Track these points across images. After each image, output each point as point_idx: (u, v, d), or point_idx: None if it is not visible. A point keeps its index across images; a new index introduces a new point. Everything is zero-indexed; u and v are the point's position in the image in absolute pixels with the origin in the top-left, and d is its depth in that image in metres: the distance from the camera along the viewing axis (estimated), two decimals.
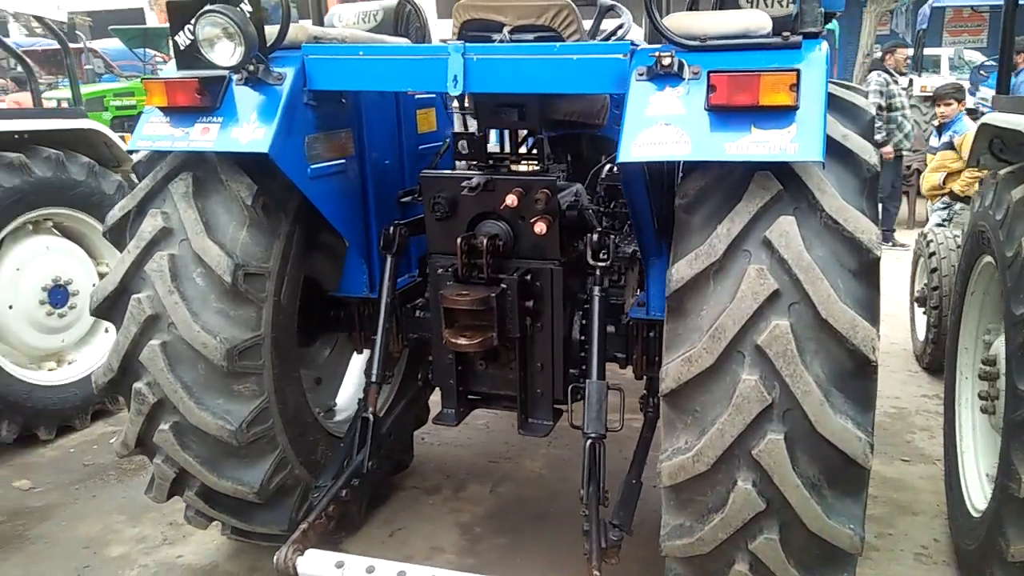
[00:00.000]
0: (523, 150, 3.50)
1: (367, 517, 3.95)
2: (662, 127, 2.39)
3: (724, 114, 2.33)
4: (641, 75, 2.48)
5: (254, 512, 3.21)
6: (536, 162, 3.39)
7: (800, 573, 2.37)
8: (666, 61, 2.41)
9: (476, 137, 3.40)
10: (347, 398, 4.12)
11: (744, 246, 2.34)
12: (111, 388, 3.01)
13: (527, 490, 4.28)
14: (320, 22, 4.02)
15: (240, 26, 2.71)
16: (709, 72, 2.30)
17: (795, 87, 2.24)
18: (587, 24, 3.53)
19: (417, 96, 3.86)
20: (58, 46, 5.56)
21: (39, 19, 5.52)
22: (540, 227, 2.96)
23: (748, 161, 2.30)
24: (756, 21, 2.49)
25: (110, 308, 3.00)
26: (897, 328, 6.31)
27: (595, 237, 2.96)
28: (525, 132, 3.47)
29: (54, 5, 5.21)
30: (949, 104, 8.12)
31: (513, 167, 3.32)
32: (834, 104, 2.61)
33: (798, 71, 2.23)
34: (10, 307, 4.82)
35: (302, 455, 3.27)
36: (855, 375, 2.27)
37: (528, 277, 3.09)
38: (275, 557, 2.72)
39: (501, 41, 3.22)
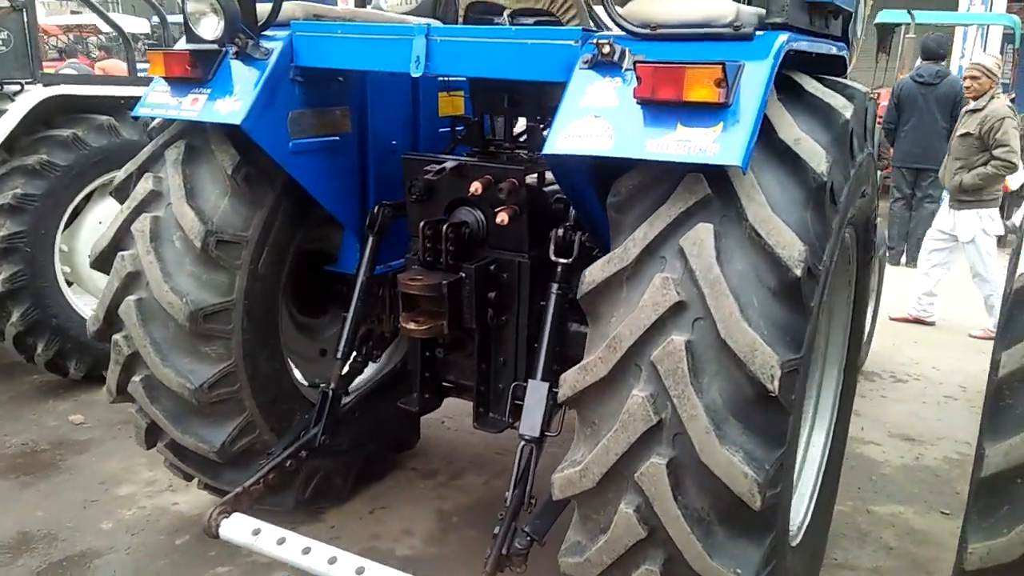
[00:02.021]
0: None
1: (356, 492, 4.02)
2: (591, 119, 2.26)
3: (652, 109, 2.18)
4: (585, 63, 2.35)
5: (220, 471, 3.33)
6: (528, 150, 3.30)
7: None
8: (605, 49, 2.28)
9: (473, 121, 3.37)
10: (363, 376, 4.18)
11: (661, 252, 2.18)
12: (98, 336, 3.22)
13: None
14: (363, 3, 4.10)
15: (221, 2, 2.81)
16: (635, 63, 2.15)
17: (722, 83, 2.05)
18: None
19: (441, 78, 3.86)
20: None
21: None
22: (502, 217, 2.89)
23: (667, 161, 2.13)
24: (720, 9, 2.30)
25: (104, 262, 3.20)
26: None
27: (560, 232, 2.85)
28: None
29: None
30: None
31: (498, 154, 3.26)
32: (804, 102, 2.38)
33: (724, 66, 2.04)
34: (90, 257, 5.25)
35: (272, 421, 3.35)
36: (757, 405, 2.05)
37: (492, 268, 3.02)
38: (204, 515, 2.81)
39: (499, 24, 3.17)
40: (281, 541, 2.67)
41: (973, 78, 6.60)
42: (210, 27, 2.89)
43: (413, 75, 2.72)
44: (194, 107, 2.96)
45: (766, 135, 2.24)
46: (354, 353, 3.46)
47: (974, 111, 6.53)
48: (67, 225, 5.14)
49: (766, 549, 2.17)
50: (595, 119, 2.25)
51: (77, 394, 5.25)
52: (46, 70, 5.77)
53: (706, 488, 2.07)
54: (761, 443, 2.07)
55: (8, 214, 4.80)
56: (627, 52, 2.28)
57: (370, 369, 3.90)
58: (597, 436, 2.20)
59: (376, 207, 3.31)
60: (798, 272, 2.04)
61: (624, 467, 2.13)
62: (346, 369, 3.42)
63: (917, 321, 7.05)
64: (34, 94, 4.90)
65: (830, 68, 2.85)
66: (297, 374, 3.81)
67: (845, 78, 2.97)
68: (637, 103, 2.19)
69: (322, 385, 3.30)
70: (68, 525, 3.76)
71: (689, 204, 2.16)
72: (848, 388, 3.37)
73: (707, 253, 2.07)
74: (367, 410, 3.58)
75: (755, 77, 2.13)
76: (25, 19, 5.00)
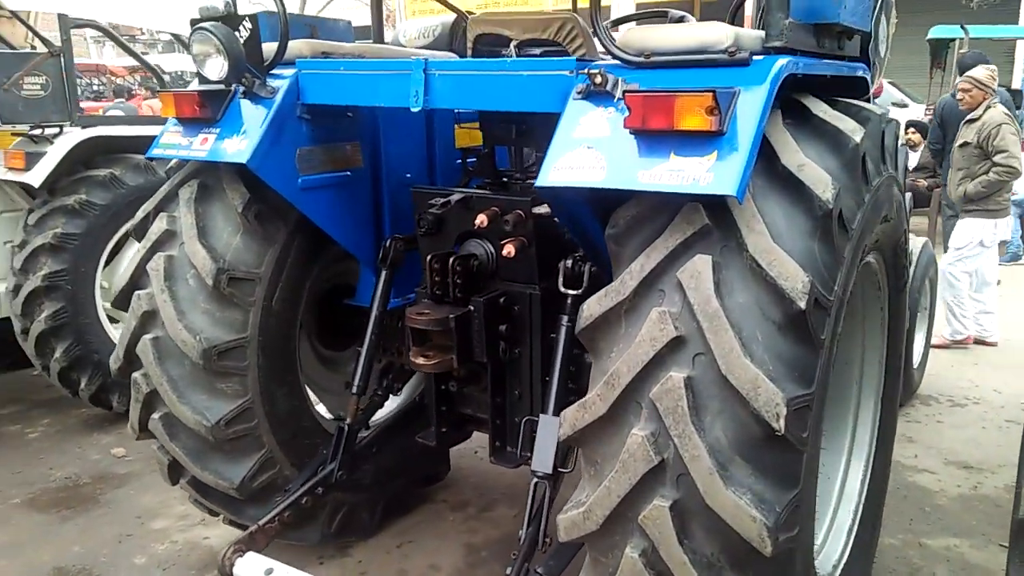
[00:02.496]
0: None
1: (384, 525, 3.99)
2: (584, 150, 2.19)
3: (644, 139, 2.10)
4: (579, 93, 2.29)
5: (242, 507, 3.33)
6: None
7: None
8: (597, 79, 2.21)
9: (484, 153, 3.34)
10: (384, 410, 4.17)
11: (659, 285, 2.09)
12: (120, 374, 3.26)
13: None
14: (380, 39, 4.12)
15: (224, 43, 2.84)
16: (625, 92, 2.08)
17: (714, 110, 1.97)
18: None
19: (458, 111, 3.84)
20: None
21: (176, 37, 6.11)
22: (508, 249, 2.84)
23: (660, 192, 2.05)
24: (716, 35, 2.21)
25: (124, 301, 3.25)
26: None
27: (568, 263, 2.78)
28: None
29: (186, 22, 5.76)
30: None
31: (509, 185, 3.21)
32: (812, 126, 2.27)
33: (715, 93, 1.95)
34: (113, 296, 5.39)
35: (293, 457, 3.35)
36: (765, 444, 1.94)
37: (502, 300, 2.96)
38: (219, 555, 2.81)
39: (506, 56, 3.14)
40: None
41: (965, 91, 6.66)
42: (215, 68, 2.91)
43: (413, 109, 2.70)
44: (204, 147, 2.99)
45: (769, 161, 2.14)
46: (372, 387, 3.45)
47: (971, 121, 6.50)
48: (107, 263, 5.28)
49: None
50: (588, 150, 2.18)
51: (121, 427, 5.34)
52: (95, 111, 5.97)
53: (713, 532, 1.97)
54: (771, 484, 1.96)
55: (49, 253, 4.95)
56: (620, 81, 2.21)
57: (393, 403, 3.87)
58: (600, 476, 2.11)
59: (388, 240, 3.29)
60: (802, 304, 1.93)
61: (627, 509, 2.04)
62: (364, 403, 3.40)
63: (978, 342, 6.75)
64: (71, 137, 5.06)
65: (851, 91, 2.73)
66: (322, 408, 3.81)
67: (868, 100, 2.85)
68: (630, 133, 2.11)
69: (338, 420, 3.28)
70: (103, 560, 3.82)
71: (687, 235, 2.07)
72: (888, 418, 3.19)
73: (705, 286, 1.98)
74: (386, 444, 3.54)
75: (751, 103, 2.04)
76: (63, 64, 5.17)
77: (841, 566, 2.83)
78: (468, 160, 3.43)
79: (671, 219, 2.13)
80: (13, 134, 5.19)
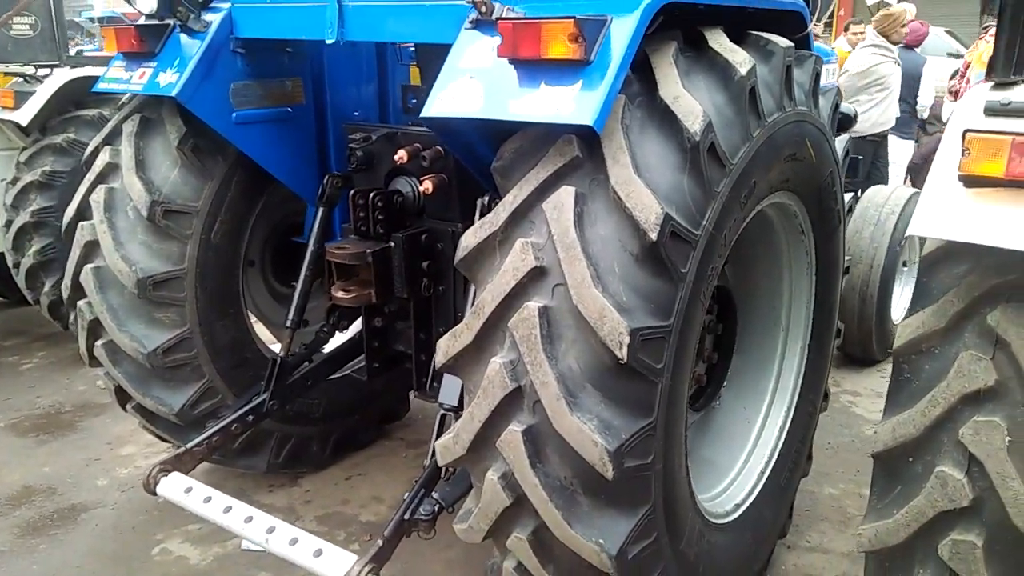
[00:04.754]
0: None
1: (338, 458, 4.11)
2: (467, 80, 2.20)
3: (519, 68, 2.11)
4: (470, 23, 2.29)
5: (187, 434, 3.44)
6: None
7: None
8: (482, 8, 2.21)
9: (422, 90, 3.34)
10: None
11: (531, 216, 2.10)
12: (69, 303, 3.40)
13: None
14: None
15: None
16: (498, 20, 2.08)
17: (577, 38, 1.96)
18: None
19: (411, 49, 3.85)
20: None
21: None
22: (426, 186, 2.87)
23: (526, 122, 2.06)
24: None
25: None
26: None
27: (485, 200, 2.79)
28: None
29: None
30: None
31: None
32: (707, 58, 2.24)
33: (576, 19, 1.94)
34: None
35: (236, 388, 3.46)
36: (612, 373, 1.96)
37: (423, 237, 3.00)
38: (145, 473, 2.94)
39: None
40: (207, 500, 2.76)
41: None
42: (147, 0, 2.96)
43: (328, 42, 2.72)
44: (141, 80, 3.06)
45: (650, 94, 2.13)
46: (319, 323, 3.54)
47: None
48: None
49: (639, 521, 2.09)
50: (470, 80, 2.19)
51: None
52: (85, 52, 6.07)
53: (564, 457, 2.01)
54: (620, 413, 1.99)
55: (38, 190, 5.11)
56: (506, 9, 2.20)
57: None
58: (470, 402, 2.17)
59: (327, 178, 3.34)
60: (654, 236, 1.93)
61: (489, 434, 2.09)
62: (307, 339, 3.49)
63: None
64: (59, 76, 5.18)
65: (784, 28, 2.66)
66: (276, 345, 3.91)
67: (805, 38, 2.79)
68: (508, 62, 2.12)
69: (271, 353, 3.38)
70: (68, 481, 4.02)
71: (558, 167, 2.08)
72: (815, 365, 3.17)
73: (565, 216, 1.99)
74: (323, 379, 3.62)
75: (621, 32, 2.02)
76: (51, 4, 5.27)
77: (745, 506, 2.85)
78: (409, 98, 3.44)
79: (548, 152, 2.14)
80: (6, 74, 5.33)
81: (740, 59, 2.23)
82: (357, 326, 3.95)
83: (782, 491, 3.08)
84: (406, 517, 2.56)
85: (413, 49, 3.82)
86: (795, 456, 3.14)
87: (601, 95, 1.96)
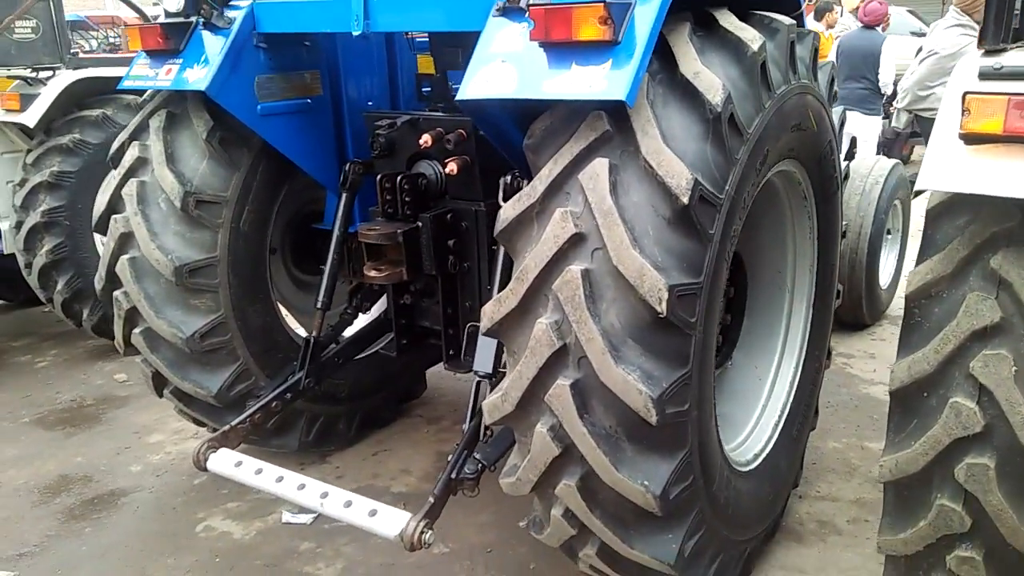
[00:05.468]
0: None
1: (363, 436, 4.27)
2: (499, 64, 2.36)
3: (549, 50, 2.27)
4: (498, 10, 2.45)
5: (223, 415, 3.59)
6: None
7: (609, 524, 2.32)
8: None
9: (437, 78, 3.49)
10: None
11: (566, 188, 2.27)
12: (103, 294, 3.52)
13: None
14: None
15: None
16: (530, 6, 2.24)
17: (607, 20, 2.13)
18: None
19: (418, 40, 3.99)
20: None
21: None
22: (451, 167, 3.02)
23: (562, 100, 2.22)
24: None
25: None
26: None
27: (508, 179, 2.95)
28: None
29: None
30: None
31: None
32: (718, 36, 2.42)
33: (606, 3, 2.11)
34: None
35: (268, 369, 3.61)
36: (652, 327, 2.14)
37: (449, 216, 3.16)
38: (193, 449, 3.08)
39: None
40: (259, 472, 2.91)
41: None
42: (174, 0, 3.09)
43: (354, 33, 2.86)
44: (168, 76, 3.18)
45: (671, 71, 2.30)
46: (342, 306, 3.68)
47: None
48: None
49: (678, 464, 2.28)
50: (502, 64, 2.35)
51: (121, 356, 5.64)
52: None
53: (609, 406, 2.19)
54: (660, 363, 2.17)
55: (47, 190, 5.19)
56: None
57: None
58: (514, 363, 2.34)
59: (348, 165, 3.48)
60: (685, 200, 2.11)
61: (537, 390, 2.26)
62: (333, 320, 3.63)
63: None
64: (63, 78, 5.26)
65: (779, 8, 2.84)
66: (300, 329, 4.06)
67: (799, 17, 2.98)
68: (538, 46, 2.28)
69: (299, 336, 3.53)
70: (102, 468, 4.14)
71: (590, 140, 2.25)
72: (819, 323, 3.38)
73: (601, 186, 2.16)
74: (353, 357, 3.78)
75: (646, 14, 2.19)
76: (52, 7, 5.34)
77: (763, 456, 3.04)
78: (422, 86, 3.58)
79: (579, 128, 2.30)
80: (8, 77, 5.40)
81: (750, 36, 2.40)
82: (379, 307, 4.14)
83: (794, 443, 3.28)
84: (453, 476, 2.72)
85: (422, 39, 3.98)
86: (804, 410, 3.34)
87: (631, 72, 2.13)
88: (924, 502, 2.16)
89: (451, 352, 3.36)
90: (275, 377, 3.61)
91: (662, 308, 2.08)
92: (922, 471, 2.13)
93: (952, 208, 2.18)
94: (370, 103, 3.76)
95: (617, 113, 2.24)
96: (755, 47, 2.37)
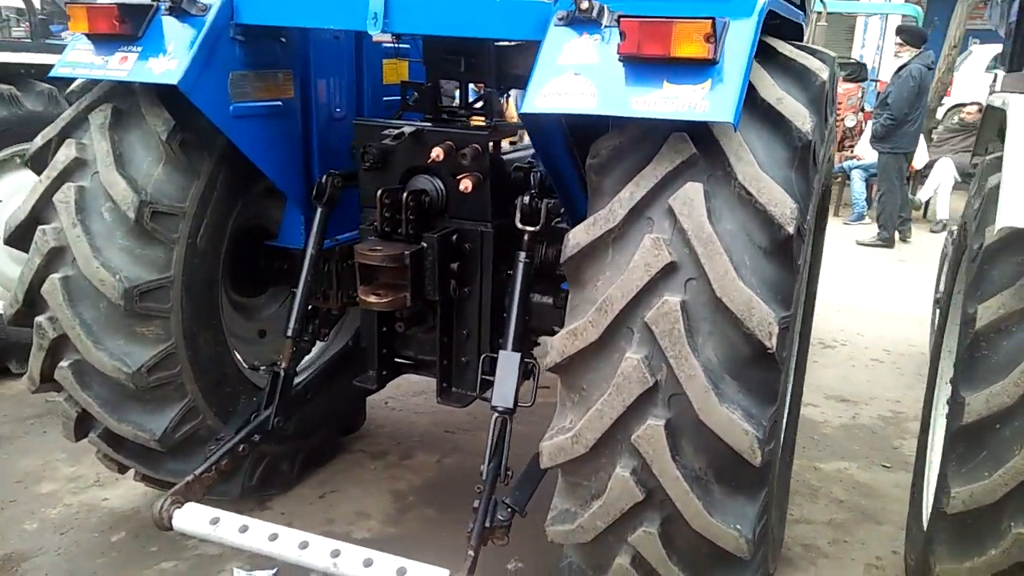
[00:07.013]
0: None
1: (303, 477, 3.85)
2: (571, 77, 2.17)
3: (636, 66, 2.11)
4: (561, 20, 2.26)
5: (161, 460, 3.12)
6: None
7: (685, 572, 2.17)
8: (584, 5, 2.19)
9: (426, 88, 3.23)
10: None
11: (648, 213, 2.12)
12: (17, 320, 2.94)
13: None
14: None
15: None
16: (620, 17, 2.08)
17: (711, 38, 2.00)
18: None
19: (384, 44, 3.70)
20: None
21: None
22: (465, 184, 2.78)
23: (654, 118, 2.07)
24: None
25: (22, 238, 2.92)
26: (920, 330, 5.95)
27: (526, 199, 2.75)
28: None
29: None
30: None
31: (454, 121, 3.14)
32: (780, 64, 2.36)
33: (714, 20, 1.99)
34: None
35: (216, 406, 3.15)
36: (752, 363, 2.03)
37: (454, 237, 2.91)
38: (153, 507, 2.61)
39: None
40: (244, 529, 2.51)
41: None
42: None
43: (371, 32, 2.57)
44: (123, 66, 2.71)
45: (748, 95, 2.21)
46: (266, 333, 3.31)
47: None
48: None
49: (760, 505, 2.17)
50: (575, 76, 2.16)
51: None
52: None
53: (703, 447, 2.05)
54: (757, 400, 2.06)
55: None
56: (606, 8, 2.20)
57: (317, 349, 3.72)
58: (588, 402, 2.14)
59: (324, 176, 3.13)
60: (791, 229, 2.02)
61: (619, 431, 2.08)
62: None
63: None
64: None
65: (788, 37, 2.85)
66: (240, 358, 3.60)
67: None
68: (620, 60, 2.12)
69: (274, 366, 3.12)
70: None
71: (676, 164, 2.11)
72: (803, 353, 3.43)
73: (698, 212, 2.03)
74: (319, 391, 3.40)
75: (741, 34, 2.09)
76: None
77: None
78: (407, 94, 3.30)
79: (656, 149, 2.16)
80: None
81: (817, 65, 2.37)
82: (338, 334, 3.77)
83: (787, 470, 3.29)
84: (487, 525, 2.46)
85: (388, 44, 3.70)
86: (792, 438, 3.36)
87: (734, 93, 2.02)
88: (996, 531, 2.18)
89: (445, 385, 3.08)
90: (222, 415, 3.17)
91: (771, 343, 1.97)
92: (998, 502, 2.15)
93: (1010, 244, 2.24)
94: (338, 110, 3.42)
95: (700, 136, 2.12)
96: (824, 76, 2.34)
